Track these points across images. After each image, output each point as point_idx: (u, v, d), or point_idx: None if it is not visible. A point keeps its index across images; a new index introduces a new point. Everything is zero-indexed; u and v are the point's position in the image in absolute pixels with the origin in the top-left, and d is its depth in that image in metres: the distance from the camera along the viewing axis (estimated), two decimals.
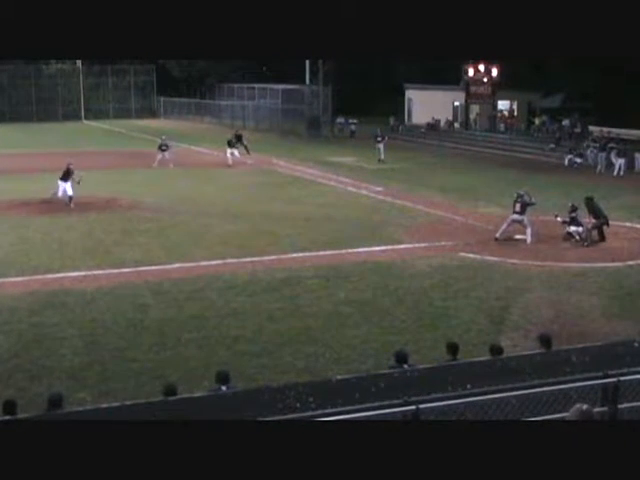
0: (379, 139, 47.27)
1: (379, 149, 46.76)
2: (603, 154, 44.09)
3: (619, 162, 42.14)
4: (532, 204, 25.48)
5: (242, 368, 14.54)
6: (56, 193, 31.64)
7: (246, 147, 47.84)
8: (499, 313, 18.09)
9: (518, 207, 25.27)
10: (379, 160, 46.19)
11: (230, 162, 44.22)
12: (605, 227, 25.16)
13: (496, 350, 12.34)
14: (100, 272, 21.77)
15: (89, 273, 21.60)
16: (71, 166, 31.90)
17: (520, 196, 25.60)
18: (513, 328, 17.11)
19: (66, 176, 31.60)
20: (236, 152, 44.79)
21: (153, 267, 22.31)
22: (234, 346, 16.19)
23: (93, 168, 38.27)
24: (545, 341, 12.56)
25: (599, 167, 43.58)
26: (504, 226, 25.36)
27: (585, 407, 6.18)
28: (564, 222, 25.17)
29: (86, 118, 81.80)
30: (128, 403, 9.43)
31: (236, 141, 48.20)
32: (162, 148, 44.56)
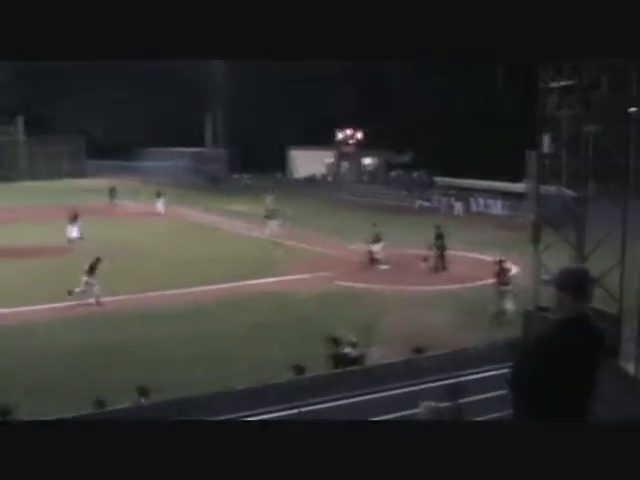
0: (269, 191, 47.26)
1: (268, 199, 46.64)
2: (445, 199, 45.45)
3: (457, 205, 43.65)
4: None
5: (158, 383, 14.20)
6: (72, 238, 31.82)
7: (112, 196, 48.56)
8: (369, 329, 18.22)
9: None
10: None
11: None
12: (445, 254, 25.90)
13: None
14: None
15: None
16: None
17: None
18: (380, 341, 17.28)
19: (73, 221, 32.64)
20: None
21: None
22: (147, 366, 15.82)
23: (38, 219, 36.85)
24: (417, 351, 12.64)
25: (442, 209, 44.82)
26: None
27: (433, 404, 6.20)
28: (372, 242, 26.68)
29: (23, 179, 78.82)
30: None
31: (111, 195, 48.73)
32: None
